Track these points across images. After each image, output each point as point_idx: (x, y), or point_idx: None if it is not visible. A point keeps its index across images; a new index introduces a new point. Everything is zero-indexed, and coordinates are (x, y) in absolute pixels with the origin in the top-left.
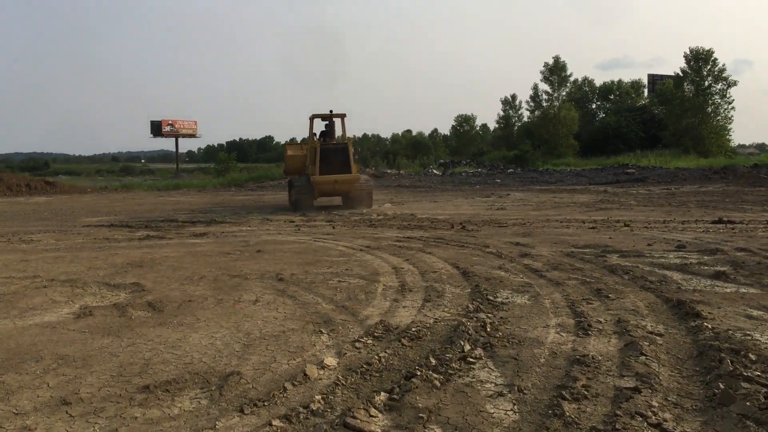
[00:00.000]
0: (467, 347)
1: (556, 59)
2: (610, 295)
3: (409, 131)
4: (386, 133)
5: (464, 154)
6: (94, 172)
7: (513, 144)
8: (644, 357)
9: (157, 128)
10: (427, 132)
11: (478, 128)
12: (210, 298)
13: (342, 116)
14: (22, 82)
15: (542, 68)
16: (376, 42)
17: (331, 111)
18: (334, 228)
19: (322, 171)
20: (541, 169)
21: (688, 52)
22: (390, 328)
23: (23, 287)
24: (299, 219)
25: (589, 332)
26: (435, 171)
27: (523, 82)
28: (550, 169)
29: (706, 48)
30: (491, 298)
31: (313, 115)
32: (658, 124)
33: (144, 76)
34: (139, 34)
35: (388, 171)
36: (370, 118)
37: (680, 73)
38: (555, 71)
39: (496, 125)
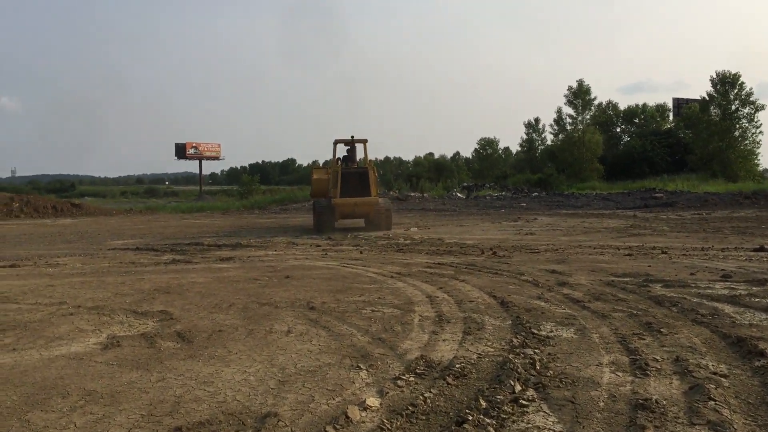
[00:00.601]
0: (518, 387)
1: (580, 83)
2: (662, 330)
3: (431, 154)
4: (407, 156)
5: (487, 177)
6: (119, 193)
7: (536, 167)
8: (713, 402)
9: (181, 150)
10: (448, 155)
11: (500, 151)
12: (241, 328)
13: (364, 142)
14: (49, 105)
15: (566, 92)
16: (398, 65)
17: (352, 137)
18: (361, 253)
19: (343, 194)
20: (566, 193)
21: (714, 76)
22: (432, 364)
23: (49, 314)
24: (325, 243)
25: (647, 372)
26: (459, 194)
27: (546, 105)
28: (576, 192)
29: (733, 72)
30: (535, 331)
31: (336, 140)
32: (684, 148)
33: (169, 99)
34: (164, 58)
35: (412, 194)
36: (392, 140)
37: (706, 97)
38: (579, 95)
39: (519, 148)
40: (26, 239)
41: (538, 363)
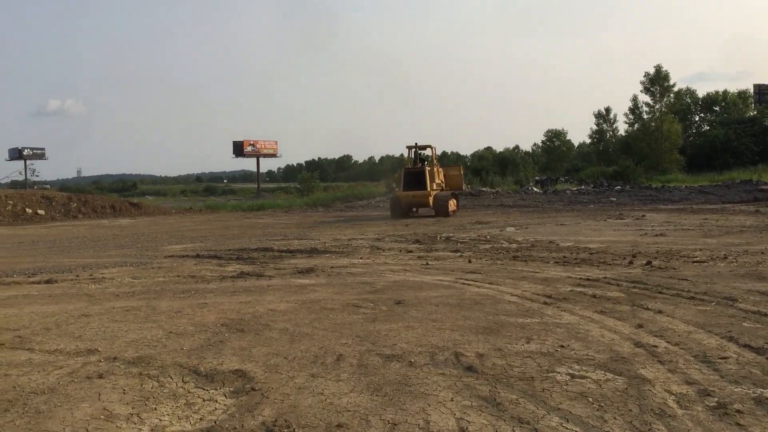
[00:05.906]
0: None
1: (658, 68)
2: None
3: (489, 148)
4: (464, 151)
5: (556, 170)
6: (178, 192)
7: (609, 159)
8: None
9: (239, 148)
10: (506, 148)
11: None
12: (374, 421)
13: (431, 147)
14: (113, 106)
15: (642, 78)
16: (449, 60)
17: (416, 143)
18: (470, 262)
19: (405, 188)
20: (656, 186)
21: None
22: None
23: (68, 375)
24: (416, 247)
25: None
26: (535, 189)
27: (607, 94)
28: (666, 185)
29: None
30: None
31: (408, 146)
32: None
33: (227, 98)
34: (222, 57)
35: (484, 189)
36: (450, 135)
37: None
38: (656, 81)
39: (589, 140)
40: (78, 243)
41: None
